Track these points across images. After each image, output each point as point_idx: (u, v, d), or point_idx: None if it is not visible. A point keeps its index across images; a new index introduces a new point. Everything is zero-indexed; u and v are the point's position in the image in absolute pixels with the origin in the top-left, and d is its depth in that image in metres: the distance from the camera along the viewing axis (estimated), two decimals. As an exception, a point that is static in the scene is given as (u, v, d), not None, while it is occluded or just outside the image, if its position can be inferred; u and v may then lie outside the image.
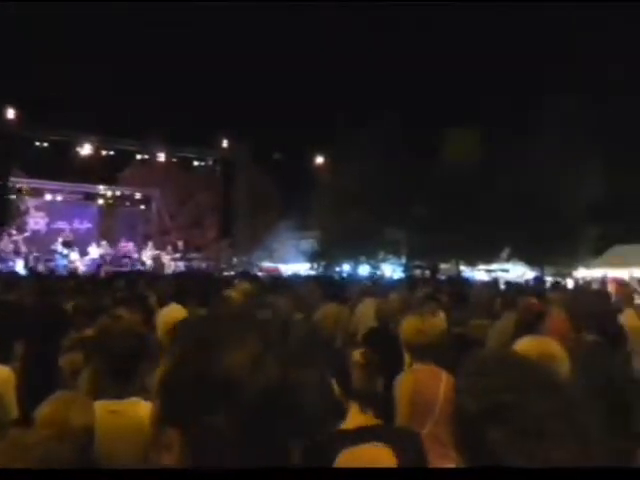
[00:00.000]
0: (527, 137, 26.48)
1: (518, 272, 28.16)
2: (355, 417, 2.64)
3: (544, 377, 1.27)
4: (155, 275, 19.48)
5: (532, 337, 2.17)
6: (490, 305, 7.74)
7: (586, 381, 4.86)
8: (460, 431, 1.25)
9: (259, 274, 23.21)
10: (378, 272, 29.04)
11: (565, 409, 1.20)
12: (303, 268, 31.23)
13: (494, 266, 29.46)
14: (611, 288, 16.55)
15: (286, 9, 31.65)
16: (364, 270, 29.97)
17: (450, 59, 32.04)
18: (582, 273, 26.25)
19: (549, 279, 23.26)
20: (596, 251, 27.30)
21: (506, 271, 28.92)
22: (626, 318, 8.04)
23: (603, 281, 20.81)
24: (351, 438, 2.49)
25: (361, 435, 2.50)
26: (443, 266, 29.22)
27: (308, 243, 33.48)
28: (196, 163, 35.65)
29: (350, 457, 2.39)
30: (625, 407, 4.27)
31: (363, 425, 2.58)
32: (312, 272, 28.88)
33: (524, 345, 2.20)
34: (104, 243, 29.84)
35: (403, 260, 30.85)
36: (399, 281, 18.55)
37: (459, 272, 27.92)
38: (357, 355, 2.94)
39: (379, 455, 2.40)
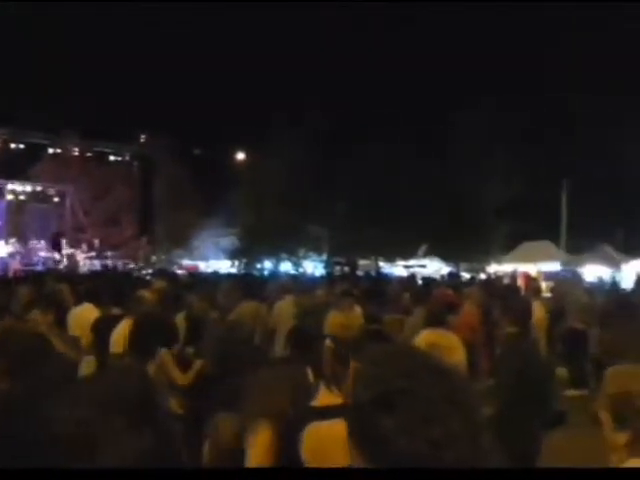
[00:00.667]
0: (447, 140, 27.30)
1: (435, 268, 28.96)
2: (324, 396, 2.94)
3: (433, 365, 1.35)
4: (68, 274, 18.83)
5: (430, 330, 2.29)
6: (404, 300, 7.94)
7: (507, 369, 5.11)
8: (353, 420, 1.31)
9: (178, 272, 22.83)
10: (300, 269, 29.17)
11: (452, 394, 1.28)
12: (224, 266, 30.96)
13: (412, 262, 30.17)
14: (520, 282, 17.29)
15: (206, 9, 31.29)
16: (286, 267, 30.03)
17: (373, 60, 32.60)
18: (494, 268, 27.30)
19: (464, 274, 24.09)
20: (506, 247, 28.48)
21: (423, 267, 29.68)
22: (533, 310, 8.48)
23: (513, 275, 21.68)
24: (318, 414, 2.79)
25: (326, 412, 2.77)
26: (363, 262, 29.65)
27: (229, 240, 33.20)
28: (113, 158, 34.68)
29: (315, 431, 2.75)
30: (542, 392, 4.54)
31: (331, 403, 2.86)
32: (233, 270, 28.67)
33: (421, 337, 2.32)
34: (13, 241, 28.54)
35: (324, 257, 31.11)
36: (319, 278, 18.69)
37: (378, 268, 28.42)
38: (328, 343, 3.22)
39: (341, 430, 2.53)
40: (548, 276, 21.74)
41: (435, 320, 5.20)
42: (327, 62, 32.32)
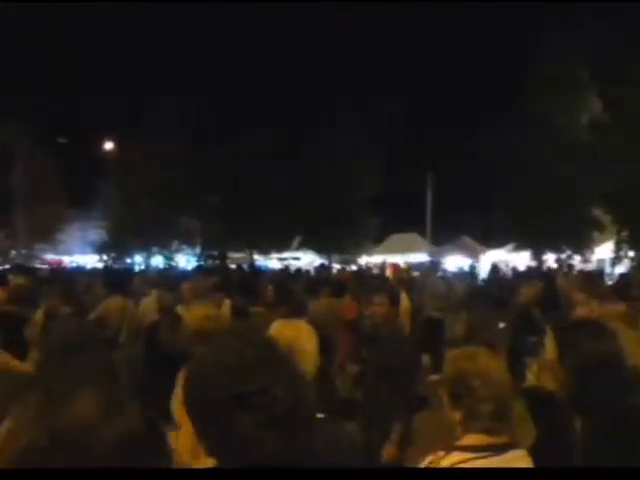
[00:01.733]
0: (319, 134, 27.69)
1: (309, 260, 29.41)
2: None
3: (275, 354, 1.40)
4: None
5: (281, 321, 2.35)
6: (270, 293, 8.00)
7: (371, 357, 5.30)
8: (205, 420, 1.33)
9: (41, 267, 21.57)
10: (172, 263, 28.51)
11: (290, 380, 1.34)
12: (91, 260, 29.61)
13: (286, 254, 30.44)
14: (389, 272, 18.01)
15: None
16: (157, 261, 29.24)
17: (244, 55, 32.44)
18: (365, 260, 28.22)
19: (336, 265, 24.66)
20: (376, 240, 29.54)
21: (297, 259, 30.06)
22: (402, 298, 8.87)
23: (382, 267, 22.48)
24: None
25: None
26: (238, 255, 29.51)
27: (96, 234, 31.78)
28: (-35, 145, 31.97)
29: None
30: (406, 378, 4.77)
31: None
32: (100, 264, 27.48)
33: (273, 328, 2.38)
34: None
35: (197, 250, 30.61)
36: (190, 272, 18.37)
37: (252, 261, 28.41)
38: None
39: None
40: (415, 267, 22.78)
41: (298, 311, 5.28)
42: (203, 54, 31.77)
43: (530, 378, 4.14)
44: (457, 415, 2.34)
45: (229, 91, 29.10)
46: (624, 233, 19.47)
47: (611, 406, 2.26)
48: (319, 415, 2.24)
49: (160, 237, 28.47)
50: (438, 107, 39.74)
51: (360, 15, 35.87)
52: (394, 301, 5.96)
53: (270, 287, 8.34)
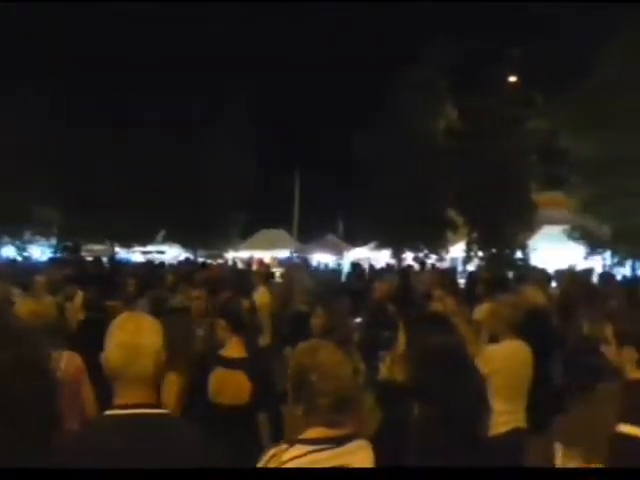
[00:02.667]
0: (187, 125, 27.12)
1: (174, 254, 28.76)
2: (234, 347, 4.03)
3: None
4: None
5: (127, 314, 2.27)
6: (129, 287, 7.77)
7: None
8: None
9: None
10: (24, 254, 26.71)
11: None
12: None
13: (150, 248, 29.56)
14: (255, 267, 18.04)
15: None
16: (8, 252, 27.26)
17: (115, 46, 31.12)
18: (232, 255, 28.05)
19: (201, 260, 24.28)
20: (244, 235, 29.46)
21: (162, 253, 29.29)
22: (259, 295, 8.90)
23: (249, 262, 22.46)
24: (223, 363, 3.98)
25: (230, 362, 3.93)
26: (98, 248, 28.22)
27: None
28: None
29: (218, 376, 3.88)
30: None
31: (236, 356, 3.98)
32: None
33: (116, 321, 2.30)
34: None
35: (54, 241, 28.87)
36: (43, 263, 17.34)
37: (114, 254, 27.30)
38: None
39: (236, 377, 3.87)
40: (282, 262, 23.00)
41: (159, 306, 5.16)
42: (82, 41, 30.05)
43: (383, 371, 4.30)
44: (299, 409, 2.37)
45: (88, 78, 27.73)
46: (474, 234, 20.84)
47: (449, 395, 2.39)
48: (162, 411, 2.18)
49: (11, 226, 26.48)
50: (308, 104, 40.32)
51: (227, 10, 35.60)
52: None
53: (131, 281, 8.10)
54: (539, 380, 5.17)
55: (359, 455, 2.41)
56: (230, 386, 3.93)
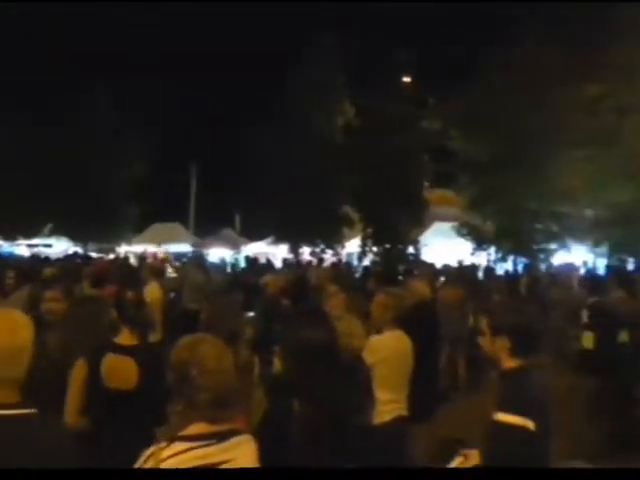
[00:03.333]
0: (75, 117, 25.95)
1: (63, 247, 27.48)
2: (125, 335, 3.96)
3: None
4: None
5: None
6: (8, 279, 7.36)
7: None
8: None
9: None
10: None
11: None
12: None
13: (36, 241, 28.08)
14: (148, 262, 17.56)
15: None
16: None
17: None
18: (124, 249, 27.11)
19: (93, 254, 23.32)
20: (137, 228, 28.54)
21: (49, 246, 27.89)
22: (149, 290, 8.65)
23: (143, 256, 21.83)
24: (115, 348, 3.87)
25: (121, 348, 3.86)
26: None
27: None
28: None
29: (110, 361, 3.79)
30: None
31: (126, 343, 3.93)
32: None
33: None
34: None
35: None
36: None
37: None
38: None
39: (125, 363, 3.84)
40: (177, 257, 22.52)
41: (35, 300, 4.91)
42: None
43: (276, 365, 4.32)
44: (179, 404, 2.32)
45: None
46: (369, 230, 21.32)
47: (324, 389, 2.41)
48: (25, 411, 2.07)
49: None
50: (208, 98, 39.74)
51: (118, 6, 34.43)
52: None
53: (10, 274, 7.66)
54: (423, 370, 5.37)
55: (242, 450, 2.38)
56: (119, 371, 3.88)
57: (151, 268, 10.59)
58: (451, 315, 7.81)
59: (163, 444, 2.26)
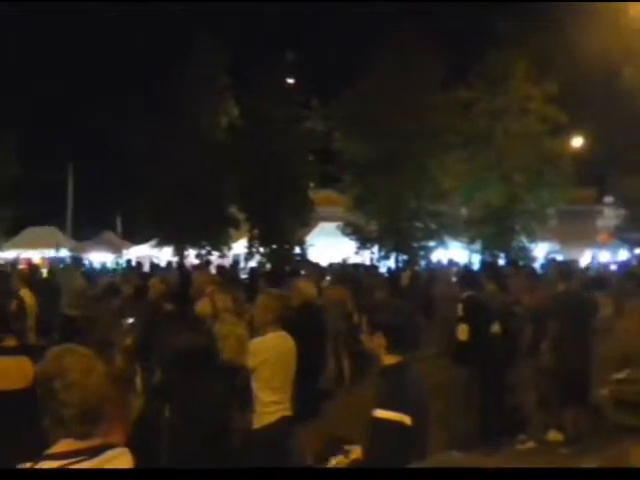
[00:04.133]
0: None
1: None
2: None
3: None
4: None
5: None
6: None
7: None
8: None
9: None
10: None
11: None
12: None
13: None
14: (22, 267, 16.64)
15: None
16: None
17: None
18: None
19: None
20: (9, 232, 26.77)
21: None
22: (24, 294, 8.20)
23: (15, 262, 20.58)
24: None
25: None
26: None
27: None
28: None
29: None
30: None
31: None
32: None
33: None
34: None
35: None
36: None
37: None
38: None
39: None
40: (54, 262, 21.41)
41: None
42: None
43: (157, 373, 4.19)
44: (46, 420, 2.17)
45: None
46: (256, 230, 21.25)
47: (197, 394, 2.37)
48: None
49: None
50: (85, 95, 38.02)
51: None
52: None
53: None
54: (308, 370, 5.42)
55: (115, 464, 2.28)
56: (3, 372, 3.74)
57: (20, 275, 10.08)
58: (335, 313, 7.95)
59: (28, 464, 2.12)
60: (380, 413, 2.83)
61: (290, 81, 21.55)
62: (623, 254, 22.87)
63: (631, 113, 15.17)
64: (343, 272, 11.63)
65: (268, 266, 19.06)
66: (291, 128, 20.33)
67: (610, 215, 24.51)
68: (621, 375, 3.68)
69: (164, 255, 23.34)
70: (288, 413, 4.40)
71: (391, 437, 2.77)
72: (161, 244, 23.44)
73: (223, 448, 2.36)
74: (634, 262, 18.30)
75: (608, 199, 24.81)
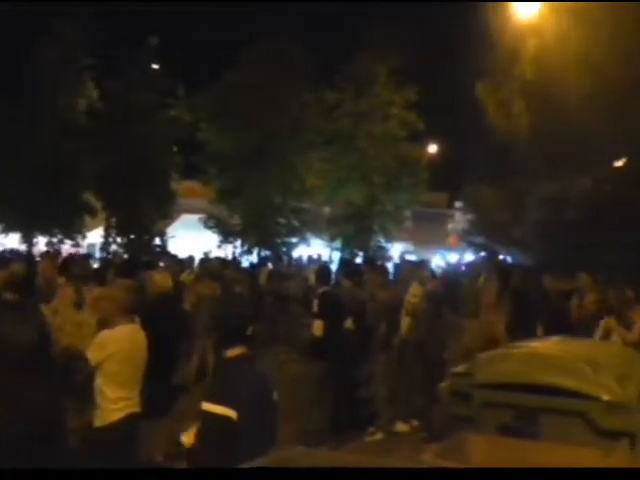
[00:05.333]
0: None
1: None
2: None
3: None
4: None
5: None
6: None
7: None
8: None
9: None
10: None
11: None
12: None
13: None
14: None
15: None
16: None
17: None
18: None
19: None
20: None
21: None
22: None
23: None
24: None
25: None
26: None
27: None
28: None
29: None
30: None
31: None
32: None
33: None
34: None
35: None
36: None
37: None
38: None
39: None
40: None
41: None
42: None
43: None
44: None
45: None
46: (113, 219, 20.33)
47: (21, 391, 2.21)
48: None
49: None
50: None
51: None
52: None
53: None
54: (162, 364, 5.28)
55: None
56: None
57: None
58: (205, 308, 7.81)
59: None
60: (207, 406, 2.82)
61: (155, 67, 20.84)
62: (469, 257, 24.47)
63: (482, 124, 16.24)
64: (206, 265, 11.46)
65: (124, 257, 18.31)
66: (154, 115, 19.64)
67: (460, 219, 26.12)
68: (458, 369, 3.93)
69: (10, 242, 21.69)
70: (136, 409, 4.25)
71: (216, 430, 2.75)
72: (7, 230, 21.75)
73: (58, 448, 2.22)
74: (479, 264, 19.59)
75: (458, 204, 26.41)
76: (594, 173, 12.64)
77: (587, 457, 3.16)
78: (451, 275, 13.81)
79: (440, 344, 7.20)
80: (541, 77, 11.82)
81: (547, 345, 4.38)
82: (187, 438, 2.89)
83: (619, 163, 12.50)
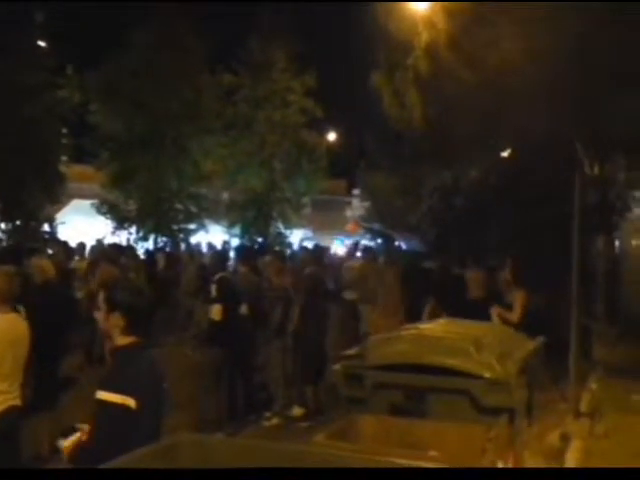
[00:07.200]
0: None
1: None
2: None
3: None
4: None
5: None
6: None
7: None
8: None
9: None
10: None
11: None
12: None
13: None
14: None
15: None
16: None
17: None
18: None
19: None
20: None
21: None
22: None
23: None
24: None
25: None
26: None
27: None
28: None
29: None
30: None
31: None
32: None
33: None
34: None
35: None
36: None
37: None
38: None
39: None
40: None
41: None
42: None
43: None
44: None
45: None
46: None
47: None
48: None
49: None
50: None
51: None
52: None
53: None
54: (46, 353, 5.06)
55: None
56: None
57: None
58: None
59: None
60: (103, 395, 2.75)
61: (42, 44, 19.65)
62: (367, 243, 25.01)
63: (376, 115, 16.53)
64: (105, 250, 11.08)
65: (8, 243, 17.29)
66: (41, 95, 18.54)
67: (357, 206, 26.62)
68: (350, 351, 4.02)
69: None
70: (17, 402, 4.05)
71: (112, 419, 2.69)
72: None
73: None
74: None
75: (356, 191, 26.90)
76: (483, 164, 13.26)
77: (470, 433, 3.34)
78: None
79: (316, 330, 7.38)
80: (433, 70, 12.16)
81: (434, 327, 4.56)
82: (67, 443, 2.80)
83: (504, 154, 13.14)
